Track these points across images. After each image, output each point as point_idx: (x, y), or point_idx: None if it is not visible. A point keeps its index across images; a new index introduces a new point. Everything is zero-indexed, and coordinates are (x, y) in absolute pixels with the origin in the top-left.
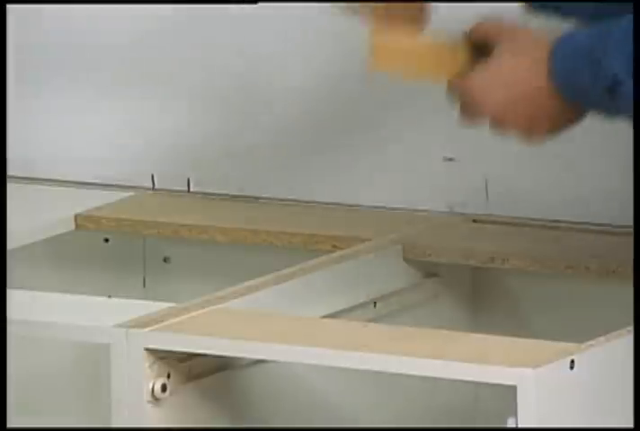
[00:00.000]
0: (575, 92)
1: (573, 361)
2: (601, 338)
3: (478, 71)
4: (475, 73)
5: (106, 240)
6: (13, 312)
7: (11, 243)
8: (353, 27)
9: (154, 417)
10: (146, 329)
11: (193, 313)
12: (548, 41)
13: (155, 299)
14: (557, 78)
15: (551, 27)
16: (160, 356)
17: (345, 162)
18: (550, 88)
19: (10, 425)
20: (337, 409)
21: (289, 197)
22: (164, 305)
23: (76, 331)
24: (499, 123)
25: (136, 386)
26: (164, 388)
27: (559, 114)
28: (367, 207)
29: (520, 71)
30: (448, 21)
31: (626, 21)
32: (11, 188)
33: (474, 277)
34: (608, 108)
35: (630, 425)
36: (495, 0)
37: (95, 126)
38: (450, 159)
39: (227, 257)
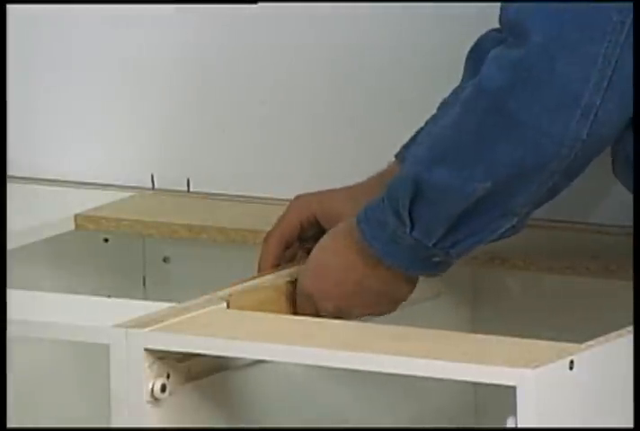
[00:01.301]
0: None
1: (572, 361)
2: (601, 338)
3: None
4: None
5: (106, 240)
6: (13, 312)
7: (11, 243)
8: (353, 27)
9: (153, 418)
10: (146, 330)
11: (193, 313)
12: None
13: (154, 299)
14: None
15: None
16: (159, 356)
17: (345, 162)
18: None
19: (10, 425)
20: (337, 409)
21: (290, 198)
22: (164, 305)
23: (76, 331)
24: (345, 314)
25: (135, 386)
26: (163, 388)
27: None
28: None
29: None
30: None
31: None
32: (11, 188)
33: (474, 277)
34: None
35: (630, 425)
36: (496, 0)
37: (95, 126)
38: None
39: (227, 257)
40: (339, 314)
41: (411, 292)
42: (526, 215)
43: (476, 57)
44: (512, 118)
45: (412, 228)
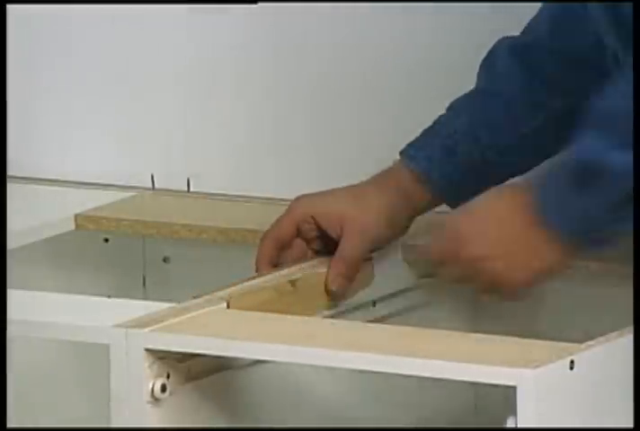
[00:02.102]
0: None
1: (572, 361)
2: (601, 338)
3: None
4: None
5: (106, 240)
6: (13, 312)
7: (11, 243)
8: (353, 27)
9: (153, 418)
10: (146, 330)
11: (193, 313)
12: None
13: (154, 299)
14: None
15: None
16: (160, 356)
17: (346, 162)
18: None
19: (10, 425)
20: (337, 408)
21: (290, 198)
22: (164, 305)
23: (76, 331)
24: (490, 263)
25: (135, 386)
26: (163, 388)
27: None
28: None
29: (504, 212)
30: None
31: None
32: (11, 188)
33: None
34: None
35: (630, 425)
36: (496, 0)
37: (95, 126)
38: None
39: (227, 257)
40: (476, 264)
41: (561, 257)
42: None
43: (490, 64)
44: None
45: (588, 203)
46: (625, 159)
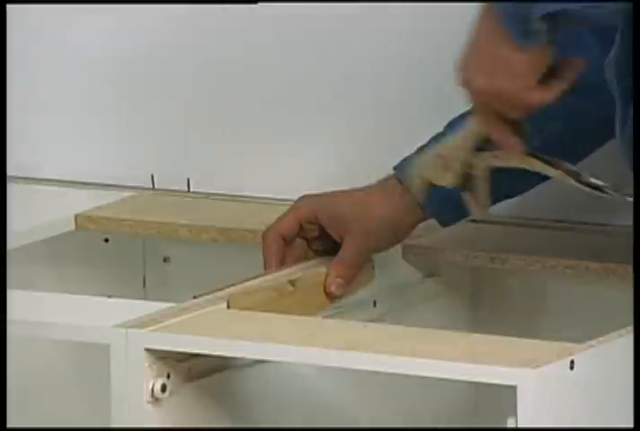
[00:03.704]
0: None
1: (572, 361)
2: (601, 338)
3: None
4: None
5: (106, 240)
6: (13, 312)
7: (11, 243)
8: (353, 27)
9: (153, 417)
10: (146, 330)
11: (193, 313)
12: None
13: (154, 299)
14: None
15: None
16: (160, 356)
17: (346, 163)
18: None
19: (10, 425)
20: (337, 409)
21: (290, 198)
22: (164, 305)
23: (76, 331)
24: (471, 83)
25: (135, 386)
26: (163, 388)
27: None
28: None
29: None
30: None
31: None
32: (11, 188)
33: (474, 277)
34: None
35: (630, 425)
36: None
37: (95, 126)
38: None
39: (227, 257)
40: (468, 88)
41: (523, 65)
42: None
43: None
44: None
45: None
46: None
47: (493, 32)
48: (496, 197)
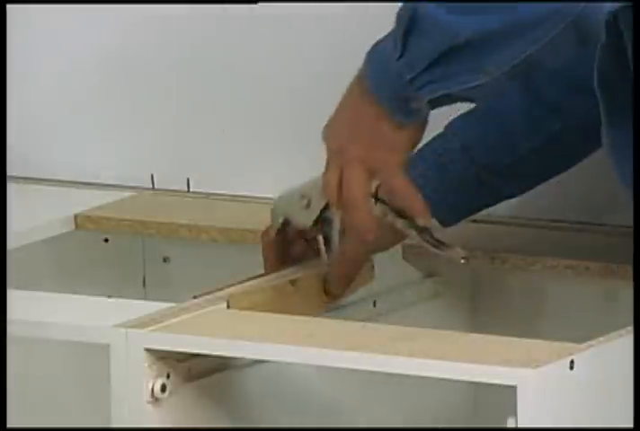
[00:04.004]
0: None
1: (572, 361)
2: (601, 338)
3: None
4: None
5: (106, 240)
6: (13, 312)
7: (11, 243)
8: (353, 27)
9: (153, 417)
10: (146, 330)
11: (193, 313)
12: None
13: (154, 299)
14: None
15: None
16: (160, 356)
17: None
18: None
19: (10, 425)
20: (337, 409)
21: None
22: (164, 305)
23: (76, 331)
24: (345, 156)
25: (135, 386)
26: (163, 388)
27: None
28: None
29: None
30: None
31: None
32: (11, 188)
33: (474, 276)
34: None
35: (630, 425)
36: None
37: (95, 126)
38: None
39: (227, 257)
40: (340, 156)
41: (402, 142)
42: (494, 80)
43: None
44: None
45: (401, 55)
46: (440, 13)
47: (365, 104)
48: (497, 198)
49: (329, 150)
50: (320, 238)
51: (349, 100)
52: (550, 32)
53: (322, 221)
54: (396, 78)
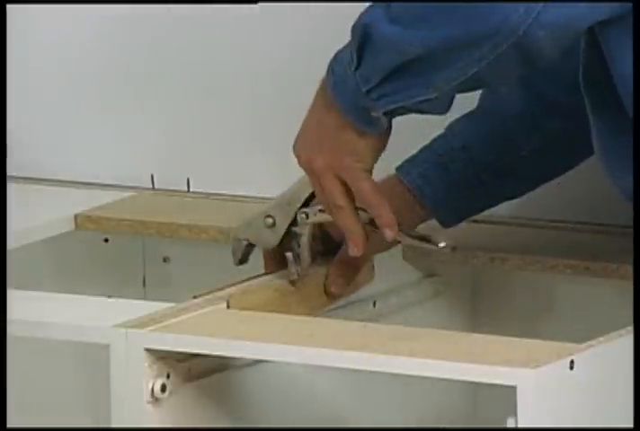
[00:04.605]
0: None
1: (572, 361)
2: (601, 338)
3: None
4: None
5: (106, 240)
6: (13, 312)
7: (11, 243)
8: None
9: (153, 417)
10: (146, 330)
11: (193, 313)
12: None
13: (154, 299)
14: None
15: None
16: (160, 356)
17: None
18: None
19: (10, 425)
20: (337, 409)
21: None
22: (164, 305)
23: (76, 331)
24: (313, 167)
25: (135, 386)
26: (163, 388)
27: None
28: None
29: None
30: None
31: None
32: (11, 188)
33: (474, 277)
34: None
35: (630, 425)
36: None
37: (95, 126)
38: None
39: (227, 257)
40: (308, 167)
41: (366, 149)
42: (445, 95)
43: None
44: None
45: (357, 67)
46: (390, 30)
47: (329, 112)
48: (498, 199)
49: (300, 163)
50: (289, 255)
51: (314, 109)
52: (493, 51)
53: (290, 238)
54: (355, 89)
